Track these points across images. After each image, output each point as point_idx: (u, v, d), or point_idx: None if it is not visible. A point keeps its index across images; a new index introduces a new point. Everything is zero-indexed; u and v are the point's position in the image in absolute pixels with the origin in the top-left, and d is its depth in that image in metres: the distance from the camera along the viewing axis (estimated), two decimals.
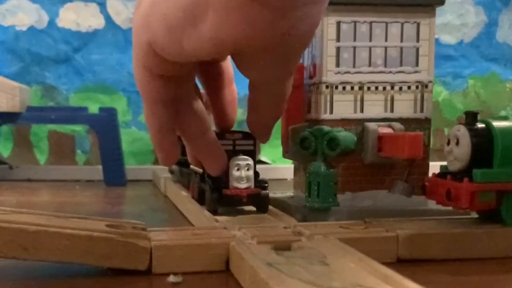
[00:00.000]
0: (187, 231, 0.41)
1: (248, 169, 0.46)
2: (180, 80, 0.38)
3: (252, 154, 0.46)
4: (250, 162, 0.46)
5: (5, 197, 0.80)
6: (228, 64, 0.44)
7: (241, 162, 0.46)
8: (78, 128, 1.13)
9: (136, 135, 1.15)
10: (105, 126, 0.97)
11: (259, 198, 0.47)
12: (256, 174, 0.47)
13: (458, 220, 0.46)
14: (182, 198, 0.64)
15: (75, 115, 1.00)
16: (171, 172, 0.81)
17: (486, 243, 0.42)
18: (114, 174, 0.96)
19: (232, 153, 0.46)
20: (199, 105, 0.42)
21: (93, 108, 1.05)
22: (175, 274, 0.36)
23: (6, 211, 0.39)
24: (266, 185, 0.48)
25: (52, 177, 1.04)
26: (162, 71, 0.36)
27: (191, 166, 0.54)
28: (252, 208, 0.49)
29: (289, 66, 0.37)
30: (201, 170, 0.49)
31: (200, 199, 0.51)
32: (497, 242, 0.42)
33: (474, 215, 0.47)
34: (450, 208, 0.44)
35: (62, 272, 0.37)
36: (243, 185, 0.46)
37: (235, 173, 0.46)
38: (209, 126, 0.43)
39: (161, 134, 0.40)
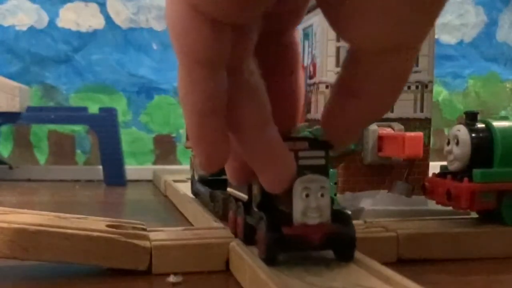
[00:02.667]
0: (187, 231, 0.41)
1: (322, 195, 0.30)
2: (241, 34, 0.25)
3: (325, 171, 0.31)
4: (325, 184, 0.30)
5: (5, 197, 0.80)
6: (298, 40, 0.31)
7: (311, 185, 0.30)
8: (78, 128, 1.13)
9: (136, 135, 1.15)
10: (105, 126, 0.97)
11: (339, 239, 0.32)
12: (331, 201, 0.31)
13: (458, 220, 0.46)
14: (182, 198, 0.64)
15: (75, 115, 1.00)
16: (196, 193, 0.61)
17: (486, 243, 0.42)
18: (114, 174, 0.96)
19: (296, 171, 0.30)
20: (260, 84, 0.28)
21: (93, 108, 1.05)
22: (175, 274, 0.36)
23: (6, 211, 0.39)
24: (349, 218, 0.32)
25: (52, 177, 1.04)
26: (217, 10, 0.23)
27: (230, 188, 0.39)
28: (328, 253, 0.33)
29: (427, 18, 0.23)
30: (245, 197, 0.35)
31: (248, 239, 0.36)
32: (497, 242, 0.42)
33: (474, 215, 0.47)
34: (450, 208, 0.44)
35: (62, 272, 0.37)
36: (314, 220, 0.30)
37: (302, 202, 0.30)
38: (271, 117, 0.28)
39: (203, 116, 0.25)
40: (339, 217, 0.31)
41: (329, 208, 0.30)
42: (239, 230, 0.37)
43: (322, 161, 0.31)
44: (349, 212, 0.32)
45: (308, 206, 0.30)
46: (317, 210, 0.30)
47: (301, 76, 0.31)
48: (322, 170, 0.31)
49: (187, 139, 0.61)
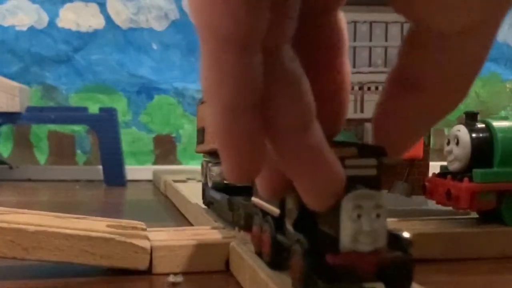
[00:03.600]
0: (187, 231, 0.41)
1: (378, 216, 0.24)
2: (280, 8, 0.20)
3: (377, 184, 0.25)
4: (382, 201, 0.24)
5: (5, 197, 0.80)
6: (344, 23, 0.25)
7: (364, 203, 0.24)
8: (78, 128, 1.13)
9: (136, 135, 1.15)
10: (105, 126, 0.97)
11: (394, 270, 0.25)
12: None
13: (458, 220, 0.46)
14: (182, 198, 0.64)
15: (75, 115, 1.00)
16: (209, 203, 0.53)
17: (486, 243, 0.42)
18: (114, 174, 0.96)
19: None
20: (302, 74, 0.21)
21: (93, 108, 1.05)
22: (175, 274, 0.36)
23: (6, 211, 0.39)
24: (409, 243, 0.26)
25: (52, 177, 1.04)
26: None
27: (256, 198, 0.32)
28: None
29: None
30: (277, 211, 0.29)
31: (276, 262, 0.30)
32: (497, 242, 0.42)
33: (474, 215, 0.47)
34: (450, 208, 0.44)
35: (62, 272, 0.37)
36: (367, 246, 0.24)
37: (352, 224, 0.24)
38: (315, 116, 0.22)
39: (234, 114, 0.19)
40: (396, 242, 0.25)
41: (385, 232, 0.24)
42: (265, 250, 0.31)
43: (373, 171, 0.25)
44: (408, 236, 0.25)
45: (360, 229, 0.23)
46: (371, 235, 0.24)
47: (347, 68, 0.25)
48: (374, 183, 0.25)
49: (198, 142, 0.56)
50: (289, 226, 0.27)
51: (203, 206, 0.54)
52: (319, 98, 0.23)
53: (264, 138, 0.21)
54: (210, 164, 0.51)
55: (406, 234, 0.25)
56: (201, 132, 0.54)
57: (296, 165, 0.22)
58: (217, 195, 0.49)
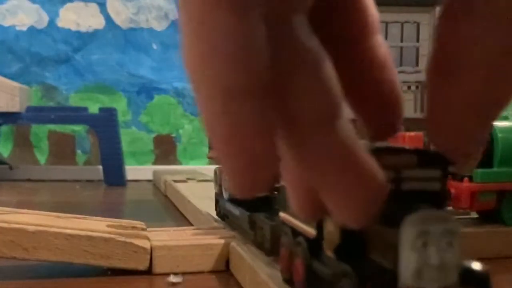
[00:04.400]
0: (187, 231, 0.41)
1: (449, 245, 0.18)
2: None
3: (442, 202, 0.20)
4: (454, 225, 0.19)
5: (5, 197, 0.80)
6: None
7: (432, 228, 0.18)
8: (78, 128, 1.13)
9: (136, 135, 1.15)
10: (105, 126, 0.97)
11: None
12: None
13: (458, 220, 0.46)
14: (182, 198, 0.64)
15: (75, 115, 1.00)
16: (223, 216, 0.46)
17: (486, 243, 0.42)
18: (114, 174, 0.96)
19: (396, 201, 0.19)
20: (322, 52, 0.16)
21: (93, 108, 1.05)
22: (175, 274, 0.36)
23: (6, 211, 0.39)
24: (487, 280, 0.20)
25: (52, 177, 1.04)
26: None
27: (285, 214, 0.27)
28: None
29: None
30: (312, 232, 0.23)
31: None
32: (497, 242, 0.42)
33: (474, 215, 0.47)
34: (450, 208, 0.44)
35: (62, 272, 0.37)
36: (434, 283, 0.18)
37: (416, 255, 0.18)
38: (343, 106, 0.17)
39: (232, 100, 0.14)
40: (469, 276, 0.19)
41: (457, 265, 0.19)
42: (297, 278, 0.25)
43: (436, 186, 0.20)
44: (484, 269, 0.20)
45: (426, 262, 0.18)
46: (440, 269, 0.18)
47: (383, 41, 0.19)
48: (437, 200, 0.20)
49: (210, 147, 0.47)
50: (328, 252, 0.22)
51: (216, 217, 0.48)
52: (351, 81, 0.18)
53: (276, 135, 0.16)
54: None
55: (481, 267, 0.20)
56: None
57: (320, 169, 0.16)
58: (234, 210, 0.42)
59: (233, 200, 0.43)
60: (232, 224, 0.43)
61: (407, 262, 0.18)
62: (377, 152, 0.17)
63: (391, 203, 0.17)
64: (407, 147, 0.21)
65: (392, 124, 0.19)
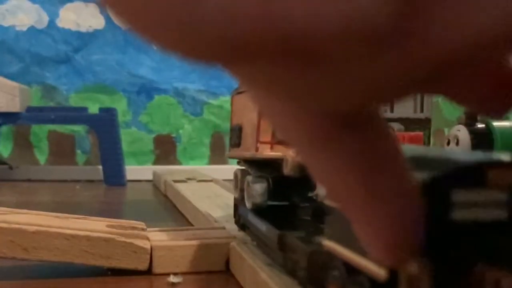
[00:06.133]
0: (187, 231, 0.41)
1: None
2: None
3: None
4: None
5: (5, 197, 0.80)
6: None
7: None
8: (78, 128, 1.13)
9: (136, 135, 1.15)
10: (105, 126, 0.97)
11: None
12: None
13: None
14: (182, 198, 0.64)
15: (75, 115, 1.00)
16: (243, 226, 0.40)
17: None
18: (114, 174, 0.96)
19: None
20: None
21: (93, 108, 1.05)
22: (175, 274, 0.36)
23: (6, 211, 0.39)
24: None
25: (52, 177, 1.04)
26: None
27: (333, 243, 0.20)
28: None
29: None
30: (382, 273, 0.16)
31: None
32: None
33: None
34: None
35: (62, 272, 0.37)
36: None
37: None
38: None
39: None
40: None
41: None
42: None
43: (503, 212, 0.15)
44: None
45: None
46: None
47: None
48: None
49: (233, 145, 0.42)
50: None
51: (235, 226, 0.42)
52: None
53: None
54: (249, 178, 0.37)
55: None
56: (236, 131, 0.40)
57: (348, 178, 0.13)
58: (260, 224, 0.35)
59: (257, 211, 0.36)
60: (255, 238, 0.37)
61: None
62: (485, 167, 0.14)
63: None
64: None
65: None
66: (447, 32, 0.10)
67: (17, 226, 0.35)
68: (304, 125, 0.13)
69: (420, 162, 0.15)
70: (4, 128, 1.09)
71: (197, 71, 1.12)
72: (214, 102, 1.17)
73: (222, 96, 1.15)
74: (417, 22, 0.10)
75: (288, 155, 0.31)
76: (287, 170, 0.31)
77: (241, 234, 0.40)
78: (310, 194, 0.27)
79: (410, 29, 0.10)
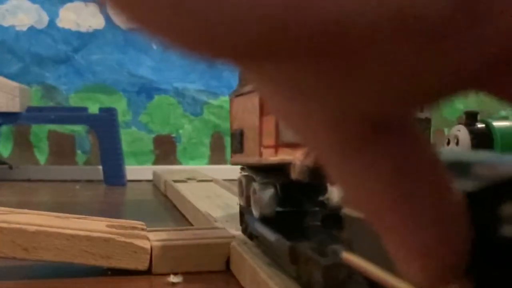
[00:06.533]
0: (187, 231, 0.41)
1: None
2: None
3: None
4: None
5: (5, 197, 0.80)
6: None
7: None
8: (78, 128, 1.13)
9: (136, 135, 1.15)
10: (105, 126, 0.97)
11: None
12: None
13: None
14: (182, 198, 0.64)
15: (75, 115, 1.00)
16: (251, 235, 0.38)
17: None
18: (114, 174, 0.96)
19: None
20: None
21: (93, 108, 1.05)
22: (175, 274, 0.36)
23: (6, 211, 0.39)
24: None
25: (52, 177, 1.04)
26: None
27: (352, 256, 0.17)
28: None
29: None
30: None
31: None
32: None
33: None
34: None
35: (62, 272, 0.37)
36: None
37: None
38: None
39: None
40: None
41: None
42: None
43: None
44: None
45: None
46: None
47: None
48: None
49: (235, 151, 0.40)
50: None
51: (241, 233, 0.40)
52: None
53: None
54: (256, 185, 0.35)
55: None
56: (238, 136, 0.38)
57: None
58: (269, 234, 0.33)
59: (265, 220, 0.34)
60: (263, 248, 0.34)
61: None
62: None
63: None
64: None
65: None
66: None
67: (17, 226, 0.35)
68: (335, 129, 0.11)
69: (459, 168, 0.14)
70: (4, 128, 1.09)
71: (197, 71, 1.12)
72: (214, 102, 1.17)
73: (222, 96, 1.15)
74: (482, 5, 0.09)
75: (295, 159, 0.30)
76: (295, 175, 0.30)
77: (241, 234, 0.40)
78: (321, 198, 0.26)
79: (476, 13, 0.09)
